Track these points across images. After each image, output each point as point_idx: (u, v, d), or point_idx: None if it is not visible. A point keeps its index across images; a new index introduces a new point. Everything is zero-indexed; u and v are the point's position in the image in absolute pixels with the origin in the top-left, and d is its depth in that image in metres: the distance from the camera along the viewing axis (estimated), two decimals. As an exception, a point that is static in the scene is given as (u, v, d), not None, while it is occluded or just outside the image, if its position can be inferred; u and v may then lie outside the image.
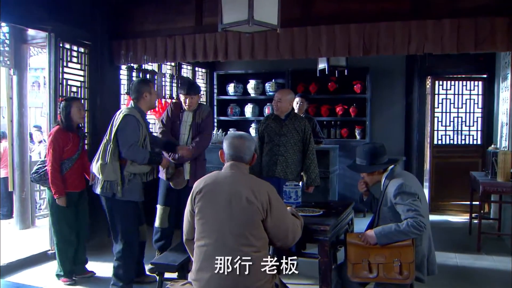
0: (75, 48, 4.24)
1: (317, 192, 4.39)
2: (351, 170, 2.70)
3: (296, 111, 4.92)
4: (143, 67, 5.16)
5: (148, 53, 4.43)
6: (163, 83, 5.55)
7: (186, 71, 6.23)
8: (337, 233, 2.72)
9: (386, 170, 2.57)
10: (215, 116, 6.53)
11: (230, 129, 6.36)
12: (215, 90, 6.55)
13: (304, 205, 2.95)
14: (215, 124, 6.48)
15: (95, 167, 3.10)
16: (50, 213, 3.52)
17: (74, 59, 4.24)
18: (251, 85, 6.29)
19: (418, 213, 2.28)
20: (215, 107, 6.56)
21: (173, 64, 5.81)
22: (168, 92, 5.71)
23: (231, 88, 6.37)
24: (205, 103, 6.51)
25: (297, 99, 4.80)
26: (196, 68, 6.43)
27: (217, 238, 2.00)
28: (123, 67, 4.88)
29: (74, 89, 4.22)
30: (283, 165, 3.72)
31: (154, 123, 5.51)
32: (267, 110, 6.24)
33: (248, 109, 6.37)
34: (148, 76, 5.22)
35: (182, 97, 3.60)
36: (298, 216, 2.30)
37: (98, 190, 3.11)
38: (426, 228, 2.35)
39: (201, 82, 6.64)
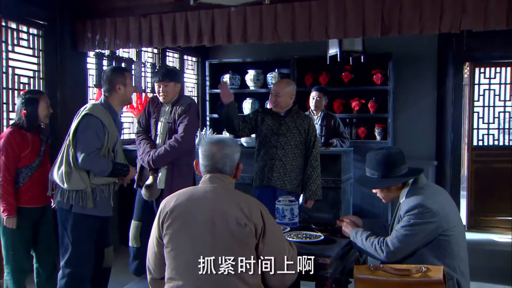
0: (24, 29, 4.05)
1: (325, 206, 4.22)
2: (360, 186, 2.55)
3: (312, 108, 4.87)
4: (117, 54, 4.97)
5: (119, 37, 4.28)
6: (143, 74, 5.34)
7: (172, 60, 6.08)
8: (344, 265, 2.46)
9: (407, 184, 2.34)
10: (207, 113, 6.40)
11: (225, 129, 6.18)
12: (208, 83, 6.42)
13: (302, 227, 2.72)
14: (207, 123, 6.34)
15: (57, 174, 2.92)
16: (1, 234, 3.25)
17: (24, 43, 4.04)
18: (250, 76, 6.14)
19: (396, 246, 2.22)
20: (207, 103, 6.44)
21: (155, 51, 5.67)
22: (149, 86, 5.53)
23: (226, 79, 6.20)
24: (192, 96, 6.34)
25: (313, 94, 4.75)
26: (185, 56, 6.30)
27: (196, 278, 1.80)
28: (91, 54, 4.69)
29: (24, 79, 4.04)
30: (280, 171, 3.50)
31: (132, 121, 5.34)
32: (268, 107, 5.92)
33: (247, 105, 6.20)
34: (123, 65, 5.02)
35: (156, 87, 3.47)
36: (292, 245, 2.07)
37: (55, 201, 2.98)
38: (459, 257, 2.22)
39: (190, 72, 6.50)
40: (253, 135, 3.87)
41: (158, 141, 3.50)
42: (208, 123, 6.36)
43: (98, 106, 3.00)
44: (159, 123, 3.51)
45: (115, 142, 3.01)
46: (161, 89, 3.43)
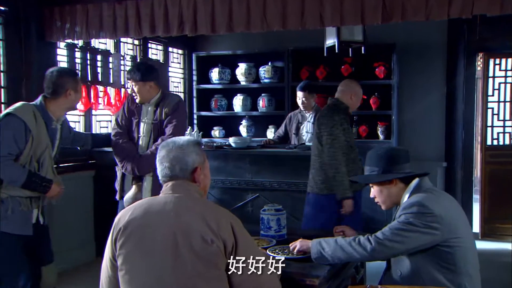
0: (-22, 14, 3.99)
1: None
2: (356, 182, 2.56)
3: (301, 108, 4.84)
4: (92, 45, 4.87)
5: (91, 25, 4.17)
6: (122, 68, 5.23)
7: (156, 52, 5.99)
8: (338, 285, 2.35)
9: (408, 186, 2.24)
10: (194, 110, 6.35)
11: (214, 128, 6.17)
12: (195, 77, 6.37)
13: (290, 239, 2.56)
14: (195, 121, 6.30)
15: None
16: None
17: (-20, 31, 3.97)
18: (241, 70, 6.08)
19: (387, 237, 2.10)
20: (194, 99, 6.38)
21: (136, 42, 5.57)
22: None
23: (215, 74, 6.17)
24: (178, 93, 6.25)
25: (298, 94, 4.72)
26: (170, 48, 6.23)
27: None
28: (62, 44, 4.57)
29: (-18, 73, 3.96)
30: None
31: (111, 120, 5.25)
32: (261, 103, 6.07)
33: (238, 102, 6.15)
34: (99, 57, 4.91)
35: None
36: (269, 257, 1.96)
37: None
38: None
39: (176, 66, 6.42)
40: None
41: (141, 143, 3.44)
42: (195, 121, 6.29)
43: (29, 107, 2.88)
44: (142, 124, 3.45)
45: (43, 152, 2.88)
46: (131, 88, 3.43)
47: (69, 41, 4.44)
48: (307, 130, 4.80)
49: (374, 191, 2.33)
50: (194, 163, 1.87)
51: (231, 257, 1.72)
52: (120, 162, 3.44)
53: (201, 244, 1.68)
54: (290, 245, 2.39)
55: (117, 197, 3.47)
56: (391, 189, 2.27)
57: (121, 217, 1.80)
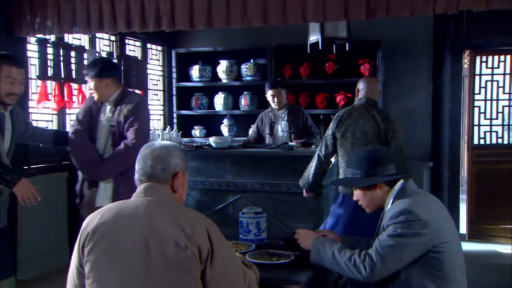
0: None
1: (304, 216, 4.11)
2: (340, 185, 2.45)
3: (274, 106, 4.84)
4: (65, 41, 4.76)
5: (63, 20, 4.06)
6: None
7: (133, 49, 5.90)
8: None
9: (393, 189, 2.19)
10: (174, 109, 6.31)
11: (195, 127, 6.13)
12: (174, 75, 6.32)
13: (270, 244, 2.58)
14: (174, 120, 6.25)
15: None
16: None
17: None
18: (222, 67, 6.05)
19: (382, 260, 2.01)
20: (174, 98, 6.33)
21: (112, 38, 5.48)
22: None
23: (195, 71, 6.12)
24: (157, 91, 6.22)
25: (271, 92, 4.76)
26: (148, 45, 6.16)
27: None
28: (33, 39, 4.47)
29: None
30: None
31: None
32: (243, 101, 6.03)
33: (219, 100, 6.12)
34: (72, 53, 4.80)
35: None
36: (252, 268, 1.96)
37: None
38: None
39: (155, 63, 6.35)
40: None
41: (101, 145, 3.31)
42: (175, 120, 6.24)
43: None
44: (100, 125, 3.33)
45: None
46: (88, 85, 3.35)
47: (40, 36, 4.33)
48: (282, 129, 4.77)
49: (357, 194, 2.28)
50: (177, 167, 1.82)
51: (207, 264, 1.67)
52: (79, 165, 3.30)
53: (174, 249, 1.63)
54: (296, 231, 2.37)
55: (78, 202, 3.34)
56: (375, 192, 2.22)
57: (90, 222, 1.74)
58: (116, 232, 1.68)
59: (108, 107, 3.31)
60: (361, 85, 3.66)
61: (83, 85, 4.82)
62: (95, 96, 3.32)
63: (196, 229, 1.67)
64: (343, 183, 2.43)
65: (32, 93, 4.48)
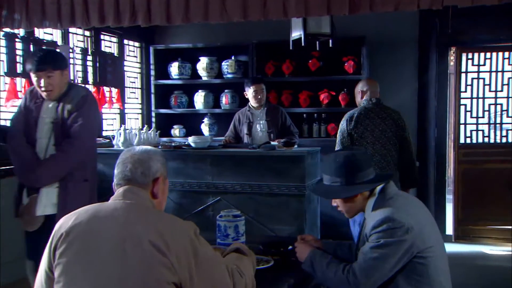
0: None
1: (287, 217, 4.08)
2: (319, 196, 2.29)
3: (254, 104, 4.82)
4: (35, 36, 4.66)
5: (32, 13, 3.89)
6: (71, 61, 5.05)
7: (109, 45, 5.84)
8: None
9: (373, 193, 2.15)
10: (152, 108, 6.24)
11: (174, 126, 6.11)
12: (152, 72, 6.27)
13: (249, 248, 2.40)
14: (153, 119, 6.19)
15: None
16: None
17: None
18: (202, 64, 6.02)
19: (366, 275, 2.01)
20: (152, 96, 6.27)
21: (87, 33, 5.40)
22: (80, 75, 5.25)
23: (174, 68, 6.09)
24: (135, 88, 6.15)
25: (254, 88, 4.73)
26: (125, 41, 6.11)
27: None
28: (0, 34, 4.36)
29: None
30: None
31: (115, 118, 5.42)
32: (224, 100, 5.99)
33: (199, 98, 6.09)
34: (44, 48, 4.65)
35: (33, 79, 3.03)
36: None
37: None
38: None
39: (132, 60, 6.29)
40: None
41: (39, 147, 3.04)
42: (154, 119, 6.18)
43: None
44: (40, 123, 3.05)
45: None
46: (42, 81, 2.98)
47: (7, 30, 4.21)
48: (261, 128, 4.73)
49: (336, 201, 2.23)
50: (157, 172, 1.83)
51: (190, 275, 1.65)
52: (15, 170, 3.06)
53: (151, 254, 1.60)
54: (295, 244, 2.35)
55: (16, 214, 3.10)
56: (356, 199, 2.17)
57: (63, 223, 1.71)
58: (91, 234, 1.66)
59: (51, 104, 3.06)
60: (365, 87, 4.00)
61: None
62: (50, 95, 3.03)
63: (176, 234, 1.65)
64: (324, 195, 2.32)
65: (1, 90, 4.38)
